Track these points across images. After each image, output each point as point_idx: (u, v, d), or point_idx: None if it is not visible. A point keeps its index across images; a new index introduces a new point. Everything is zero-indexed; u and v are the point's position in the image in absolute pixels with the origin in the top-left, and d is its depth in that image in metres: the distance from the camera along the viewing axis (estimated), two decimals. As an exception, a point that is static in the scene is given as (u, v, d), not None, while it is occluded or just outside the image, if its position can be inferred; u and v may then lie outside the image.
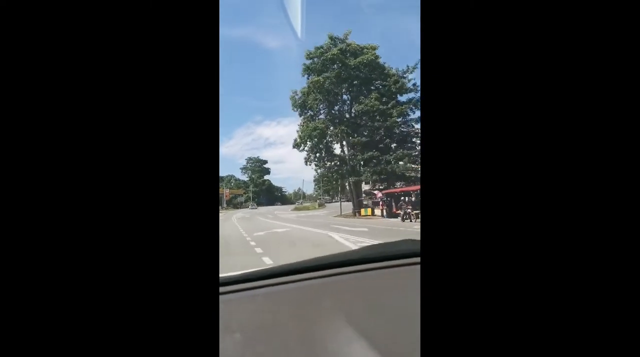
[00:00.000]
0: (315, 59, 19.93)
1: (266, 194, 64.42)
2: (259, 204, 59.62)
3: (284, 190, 75.75)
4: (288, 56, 75.17)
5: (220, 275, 0.67)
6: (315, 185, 54.56)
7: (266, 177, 66.38)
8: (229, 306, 0.61)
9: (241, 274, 0.73)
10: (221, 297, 0.61)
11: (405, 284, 0.70)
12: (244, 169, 67.09)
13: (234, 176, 65.60)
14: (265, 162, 67.85)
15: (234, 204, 53.91)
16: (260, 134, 78.71)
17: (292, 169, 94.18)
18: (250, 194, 59.96)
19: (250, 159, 67.58)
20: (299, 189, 64.83)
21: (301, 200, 53.94)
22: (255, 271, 0.75)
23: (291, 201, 67.12)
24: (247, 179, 65.79)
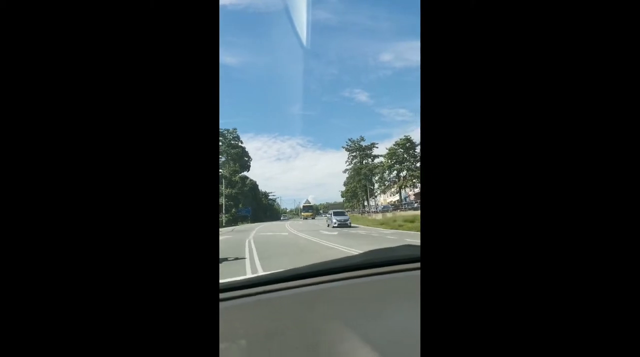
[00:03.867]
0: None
1: (251, 201, 37.68)
2: (243, 218, 33.04)
3: (270, 196, 49.51)
4: (249, 73, 76.33)
5: (221, 281, 0.71)
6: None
7: (246, 173, 39.95)
8: (231, 312, 0.63)
9: (242, 279, 0.75)
10: (223, 304, 0.64)
11: (405, 289, 0.72)
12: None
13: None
14: (245, 152, 41.33)
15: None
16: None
17: (267, 185, 75.59)
18: (223, 200, 33.00)
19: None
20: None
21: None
22: (257, 277, 0.77)
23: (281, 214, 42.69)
24: (215, 175, 38.79)
